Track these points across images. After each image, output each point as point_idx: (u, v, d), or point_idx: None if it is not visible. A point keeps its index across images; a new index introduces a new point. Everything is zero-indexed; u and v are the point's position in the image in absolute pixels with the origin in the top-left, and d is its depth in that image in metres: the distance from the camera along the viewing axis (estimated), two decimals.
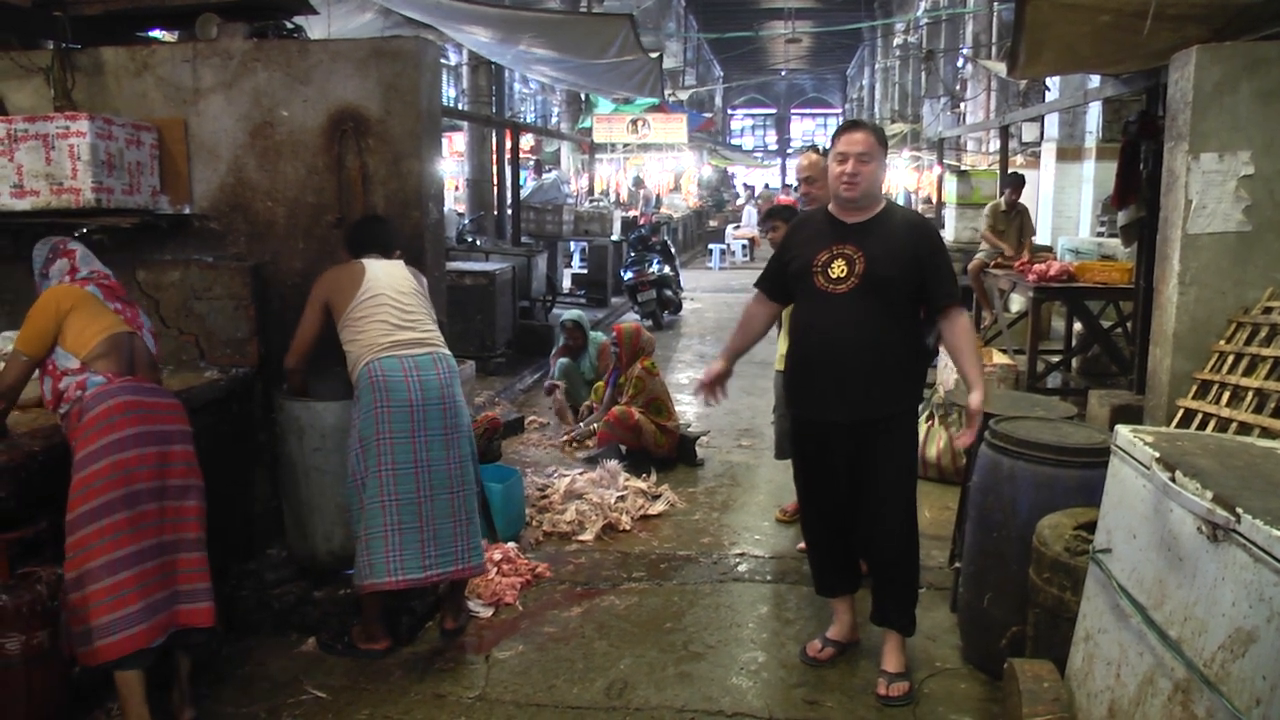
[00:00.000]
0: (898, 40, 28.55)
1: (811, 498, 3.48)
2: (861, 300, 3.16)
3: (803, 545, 4.21)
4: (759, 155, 45.44)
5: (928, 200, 18.06)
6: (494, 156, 11.80)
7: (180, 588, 3.00)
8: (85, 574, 2.76)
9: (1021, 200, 9.08)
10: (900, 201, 12.04)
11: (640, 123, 18.97)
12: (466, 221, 12.46)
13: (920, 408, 4.30)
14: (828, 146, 4.40)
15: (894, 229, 3.23)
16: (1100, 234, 10.27)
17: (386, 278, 3.60)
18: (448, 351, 3.64)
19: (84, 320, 2.97)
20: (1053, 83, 11.59)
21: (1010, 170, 10.10)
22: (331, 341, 3.62)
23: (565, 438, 6.43)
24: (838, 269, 3.20)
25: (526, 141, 19.18)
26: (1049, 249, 9.47)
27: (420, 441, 3.43)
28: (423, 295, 3.71)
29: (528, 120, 24.47)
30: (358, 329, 3.48)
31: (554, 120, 23.98)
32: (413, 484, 3.42)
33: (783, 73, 47.12)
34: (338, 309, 3.54)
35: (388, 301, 3.53)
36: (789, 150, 49.23)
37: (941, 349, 3.44)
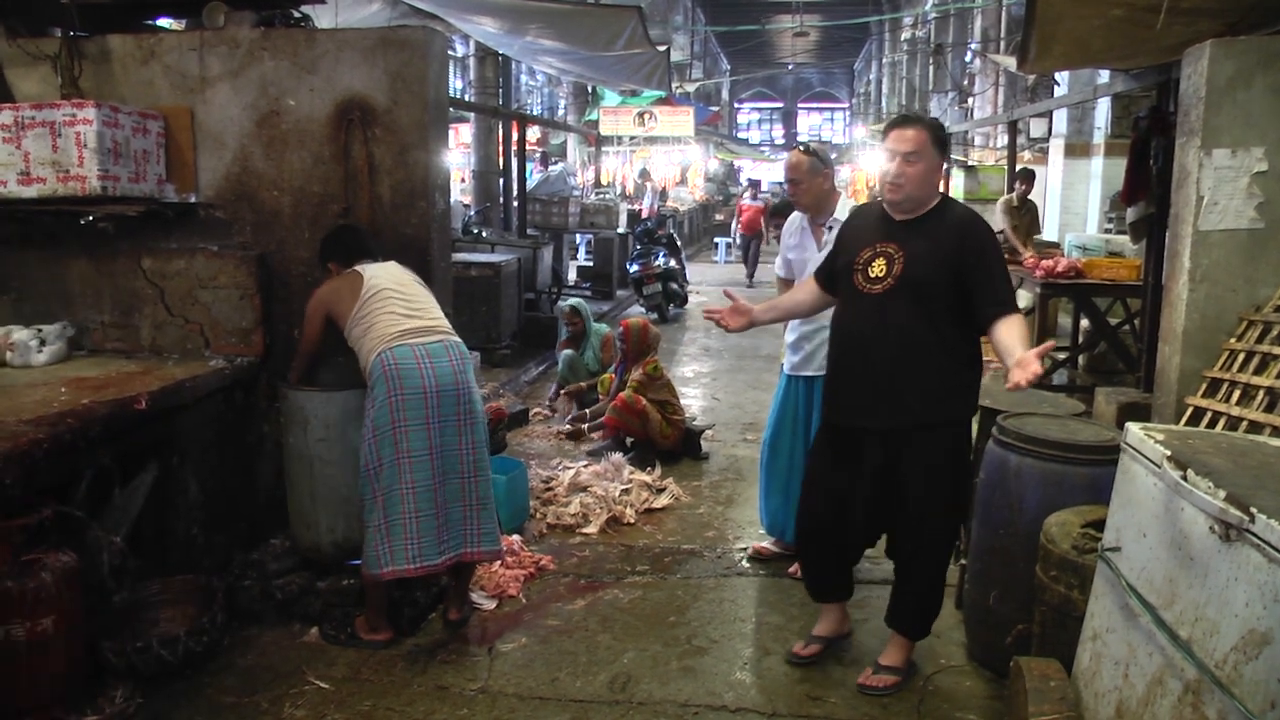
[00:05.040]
0: (905, 34, 28.45)
1: (814, 503, 3.32)
2: (897, 302, 3.01)
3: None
4: (765, 149, 45.31)
5: None
6: (500, 148, 11.76)
7: None
8: None
9: (1029, 196, 9.04)
10: None
11: (647, 115, 18.94)
12: (473, 213, 12.42)
13: None
14: (807, 145, 4.35)
15: (942, 228, 3.04)
16: (1108, 230, 10.23)
17: (385, 274, 3.63)
18: (459, 339, 3.64)
19: None
20: (1061, 78, 11.53)
21: (1020, 166, 10.05)
22: (334, 331, 3.62)
23: (567, 425, 6.42)
24: (877, 268, 3.06)
25: (533, 133, 19.10)
26: (1056, 245, 9.43)
27: (435, 428, 3.43)
28: (424, 285, 3.72)
29: (534, 112, 24.41)
30: (366, 325, 3.49)
31: (561, 112, 23.93)
32: (428, 470, 3.43)
33: (790, 67, 46.98)
34: (342, 316, 3.56)
35: (393, 295, 3.54)
36: (795, 144, 48.99)
37: None
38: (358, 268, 3.64)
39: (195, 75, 4.11)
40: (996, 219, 8.90)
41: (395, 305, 3.52)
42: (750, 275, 16.23)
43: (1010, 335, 2.91)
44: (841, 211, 3.93)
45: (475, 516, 3.57)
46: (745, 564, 4.41)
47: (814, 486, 3.35)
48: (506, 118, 11.69)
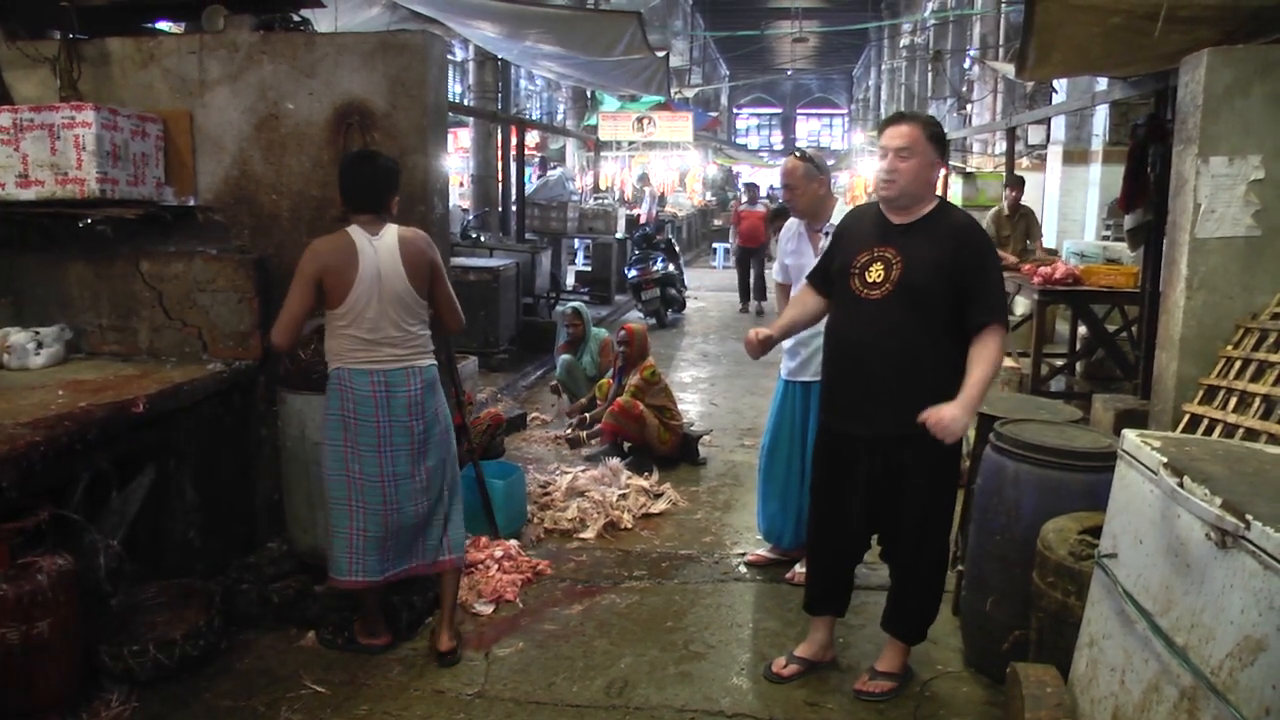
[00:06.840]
0: (904, 41, 28.52)
1: (822, 513, 3.33)
2: (894, 308, 2.99)
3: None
4: (764, 155, 45.37)
5: None
6: (499, 153, 11.77)
7: None
8: None
9: (1024, 202, 9.04)
10: None
11: (646, 120, 18.96)
12: (471, 218, 12.45)
13: None
14: (803, 151, 4.36)
15: (940, 233, 3.02)
16: (1106, 237, 10.24)
17: (382, 272, 3.33)
18: (425, 362, 3.46)
19: None
20: (1060, 85, 11.56)
21: (1015, 173, 10.08)
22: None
23: (568, 431, 6.41)
24: (874, 273, 3.04)
25: (532, 138, 19.16)
26: (1054, 252, 9.45)
27: (386, 456, 3.38)
28: (413, 295, 3.41)
29: (533, 117, 24.44)
30: (337, 329, 3.35)
31: (560, 117, 23.96)
32: (379, 496, 3.39)
33: (789, 72, 47.06)
34: (330, 300, 3.34)
35: (373, 310, 3.32)
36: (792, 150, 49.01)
37: None
38: (358, 240, 3.33)
39: (194, 79, 4.12)
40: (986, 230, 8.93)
41: (370, 324, 3.32)
42: (757, 301, 13.45)
43: (976, 369, 2.91)
44: (838, 218, 3.94)
45: (423, 535, 3.51)
46: (742, 569, 4.41)
47: (819, 494, 3.35)
48: (505, 122, 11.70)
